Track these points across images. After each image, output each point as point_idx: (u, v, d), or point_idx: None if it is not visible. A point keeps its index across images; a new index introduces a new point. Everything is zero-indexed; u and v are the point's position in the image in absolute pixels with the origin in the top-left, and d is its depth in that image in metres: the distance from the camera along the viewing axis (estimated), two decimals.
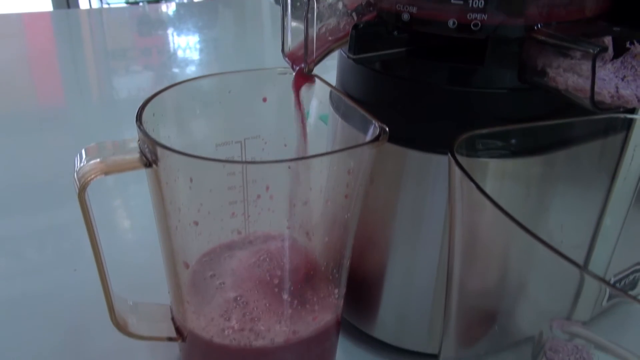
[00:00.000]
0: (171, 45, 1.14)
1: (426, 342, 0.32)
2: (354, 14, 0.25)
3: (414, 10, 0.24)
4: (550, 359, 0.29)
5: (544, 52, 0.23)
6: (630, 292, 0.36)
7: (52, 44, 1.10)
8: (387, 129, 0.25)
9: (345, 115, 0.30)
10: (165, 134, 0.30)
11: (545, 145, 0.26)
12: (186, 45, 1.15)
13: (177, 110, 0.31)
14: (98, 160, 0.25)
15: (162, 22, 1.28)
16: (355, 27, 0.24)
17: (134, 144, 0.26)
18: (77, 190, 0.24)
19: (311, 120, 0.33)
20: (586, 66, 0.21)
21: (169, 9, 1.38)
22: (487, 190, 0.26)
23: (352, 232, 0.29)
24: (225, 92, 0.32)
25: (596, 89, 0.21)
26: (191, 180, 0.25)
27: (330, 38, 0.25)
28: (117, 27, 1.23)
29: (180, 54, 1.06)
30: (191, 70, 0.92)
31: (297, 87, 0.28)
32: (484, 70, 0.24)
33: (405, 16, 0.24)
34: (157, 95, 0.28)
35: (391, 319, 0.33)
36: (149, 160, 0.25)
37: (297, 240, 0.32)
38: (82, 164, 0.25)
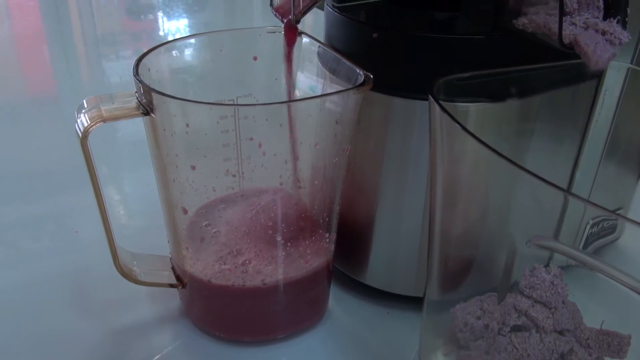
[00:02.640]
0: (161, 29, 1.15)
1: (415, 287, 0.34)
2: None
3: None
4: (529, 295, 0.30)
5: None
6: (609, 237, 0.38)
7: (39, 26, 1.10)
8: (371, 75, 0.27)
9: (332, 69, 0.31)
10: (163, 84, 0.31)
11: (521, 90, 0.28)
12: (176, 30, 1.15)
13: (171, 67, 0.32)
14: (98, 109, 0.26)
15: (152, 6, 1.28)
16: None
17: (132, 96, 0.27)
18: (80, 138, 0.26)
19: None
20: (554, 6, 0.23)
21: None
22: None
23: (340, 178, 0.30)
24: (217, 50, 0.34)
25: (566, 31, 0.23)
26: (187, 125, 0.27)
27: None
28: (105, 9, 1.23)
29: (170, 39, 1.06)
30: None
31: (288, 41, 0.30)
32: (461, 17, 0.26)
33: None
34: (153, 51, 0.30)
35: (381, 266, 0.35)
36: (146, 109, 0.26)
37: (288, 192, 0.34)
38: (83, 113, 0.26)
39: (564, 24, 0.23)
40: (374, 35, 0.28)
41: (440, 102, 0.24)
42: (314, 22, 0.83)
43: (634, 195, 0.37)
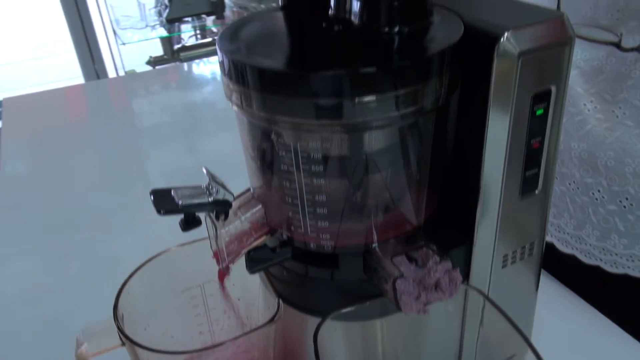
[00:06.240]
0: None
1: None
2: (253, 231, 0.36)
3: (289, 234, 0.35)
4: None
5: (375, 264, 0.34)
6: None
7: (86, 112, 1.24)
8: (282, 305, 0.37)
9: (265, 286, 0.41)
10: (141, 297, 0.42)
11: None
12: None
13: (149, 281, 0.42)
14: (87, 346, 0.37)
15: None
16: (248, 253, 0.35)
17: (115, 327, 0.38)
18: None
19: None
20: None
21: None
22: (363, 344, 0.37)
23: None
24: (181, 259, 0.44)
25: (400, 299, 0.32)
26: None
27: (238, 249, 0.36)
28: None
29: None
30: None
31: (220, 278, 0.40)
32: (339, 270, 0.35)
33: (285, 236, 0.36)
34: (129, 281, 0.40)
35: None
36: (123, 342, 0.37)
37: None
38: (77, 349, 0.37)
39: (406, 298, 0.32)
40: (284, 272, 0.38)
41: (334, 324, 0.34)
42: None
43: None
